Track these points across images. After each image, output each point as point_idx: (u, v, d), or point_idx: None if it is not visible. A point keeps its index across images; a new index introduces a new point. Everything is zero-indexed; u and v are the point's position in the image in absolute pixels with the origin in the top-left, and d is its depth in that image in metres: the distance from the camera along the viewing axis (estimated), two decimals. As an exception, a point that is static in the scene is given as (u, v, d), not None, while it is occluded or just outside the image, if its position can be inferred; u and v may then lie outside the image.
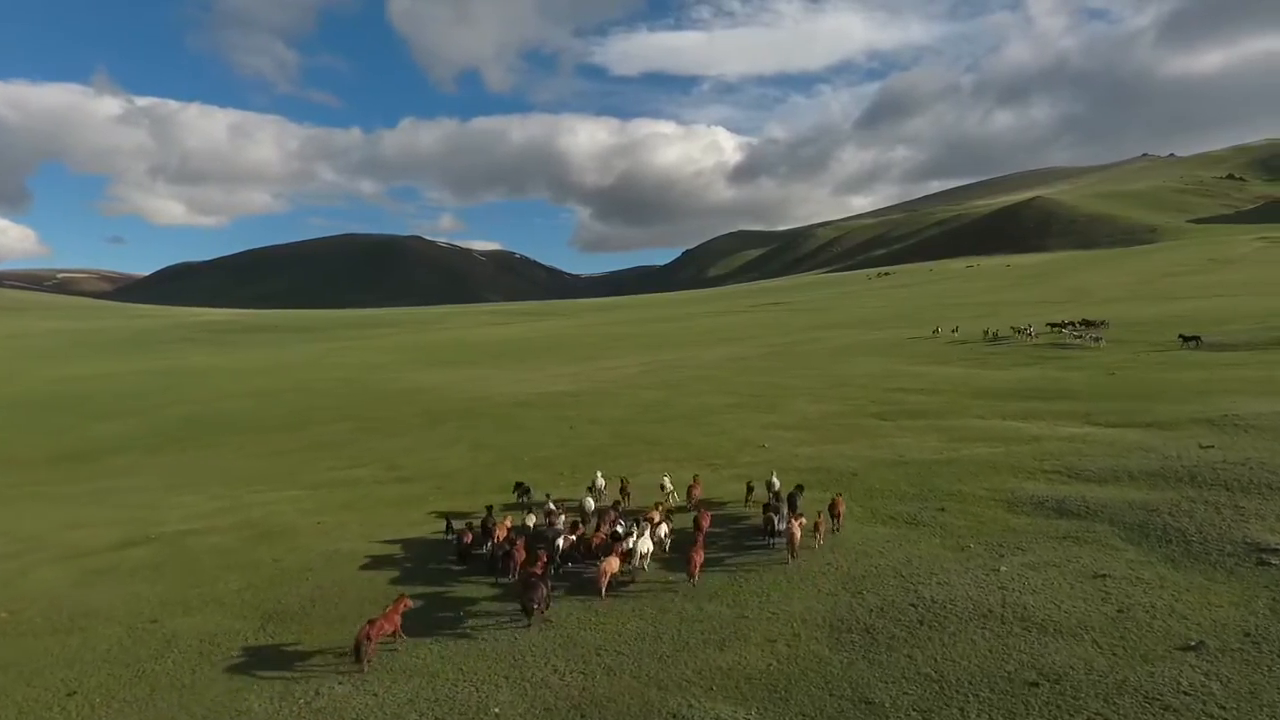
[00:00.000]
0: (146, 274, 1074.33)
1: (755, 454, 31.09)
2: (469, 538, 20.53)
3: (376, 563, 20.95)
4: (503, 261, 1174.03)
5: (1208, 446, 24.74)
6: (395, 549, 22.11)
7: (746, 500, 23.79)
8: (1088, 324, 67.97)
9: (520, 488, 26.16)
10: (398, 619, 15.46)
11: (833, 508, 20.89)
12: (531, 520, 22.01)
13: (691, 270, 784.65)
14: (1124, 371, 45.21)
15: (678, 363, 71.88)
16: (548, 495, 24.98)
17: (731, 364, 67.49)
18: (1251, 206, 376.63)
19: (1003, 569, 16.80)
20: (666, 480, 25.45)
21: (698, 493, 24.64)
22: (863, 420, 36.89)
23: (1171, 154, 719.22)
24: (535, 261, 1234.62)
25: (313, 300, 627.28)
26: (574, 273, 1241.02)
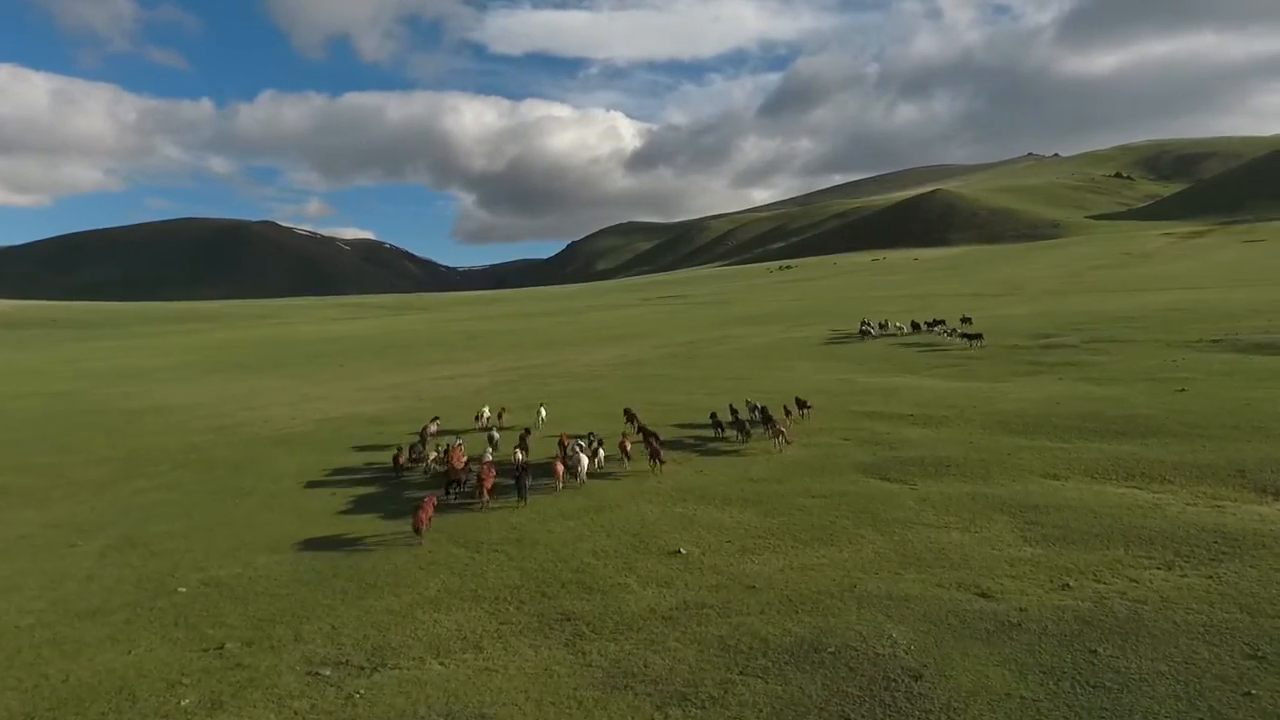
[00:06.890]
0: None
1: (664, 564, 15.34)
2: (403, 458, 25.16)
3: None
4: (369, 252, 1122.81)
5: None
6: None
7: (717, 432, 27.45)
8: (965, 322, 57.80)
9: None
10: (431, 509, 18.84)
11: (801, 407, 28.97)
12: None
13: (579, 263, 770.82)
14: (1192, 386, 32.53)
15: (547, 369, 55.51)
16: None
17: (622, 371, 51.78)
18: (1143, 204, 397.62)
19: None
20: (543, 410, 31.27)
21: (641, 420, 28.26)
22: (849, 480, 21.90)
23: (1056, 154, 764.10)
24: (407, 252, 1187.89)
25: (143, 292, 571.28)
26: (452, 265, 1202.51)
